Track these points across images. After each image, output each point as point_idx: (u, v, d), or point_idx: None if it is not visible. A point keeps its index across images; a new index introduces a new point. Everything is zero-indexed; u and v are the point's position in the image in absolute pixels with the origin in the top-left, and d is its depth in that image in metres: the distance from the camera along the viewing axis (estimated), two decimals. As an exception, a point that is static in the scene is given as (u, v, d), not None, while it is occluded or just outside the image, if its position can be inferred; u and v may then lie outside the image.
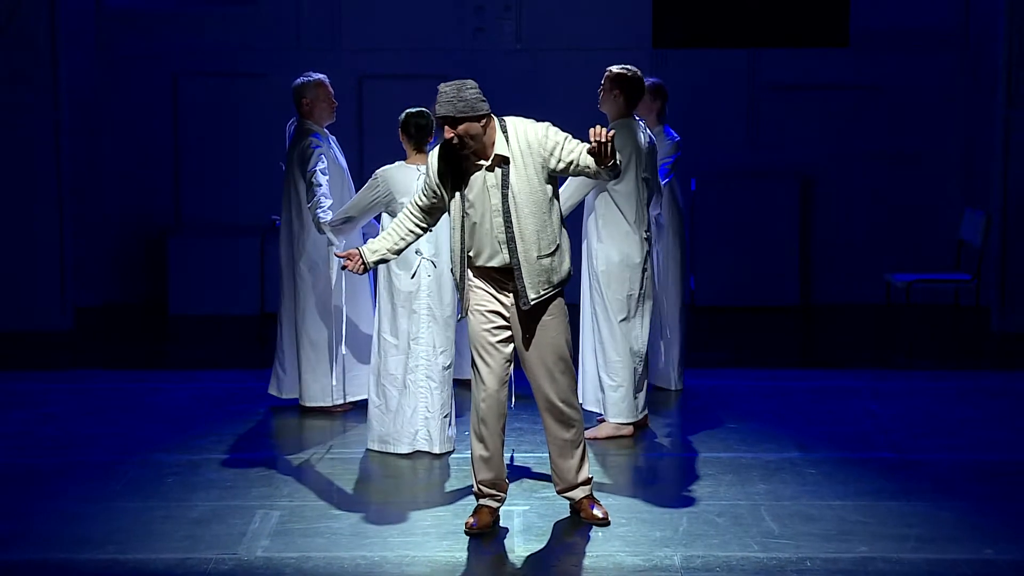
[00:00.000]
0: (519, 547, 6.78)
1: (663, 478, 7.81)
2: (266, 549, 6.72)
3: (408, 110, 8.33)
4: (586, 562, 6.58)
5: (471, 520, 6.97)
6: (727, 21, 12.89)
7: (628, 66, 8.47)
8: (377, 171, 8.30)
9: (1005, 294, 11.79)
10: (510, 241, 6.79)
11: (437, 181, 6.89)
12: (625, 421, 8.54)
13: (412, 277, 8.23)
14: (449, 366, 8.28)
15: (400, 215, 7.12)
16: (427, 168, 6.98)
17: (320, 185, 8.73)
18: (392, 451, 8.29)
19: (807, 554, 6.65)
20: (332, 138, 9.15)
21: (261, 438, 8.67)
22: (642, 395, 8.62)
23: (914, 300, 11.26)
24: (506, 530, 7.00)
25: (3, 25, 11.59)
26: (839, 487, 7.62)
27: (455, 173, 6.85)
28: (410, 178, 8.21)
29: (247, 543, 6.79)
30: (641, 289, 8.49)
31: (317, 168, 8.78)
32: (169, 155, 12.95)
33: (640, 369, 8.57)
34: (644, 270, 8.49)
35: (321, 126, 9.05)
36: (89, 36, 12.73)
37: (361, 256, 7.08)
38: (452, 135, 6.70)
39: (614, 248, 8.41)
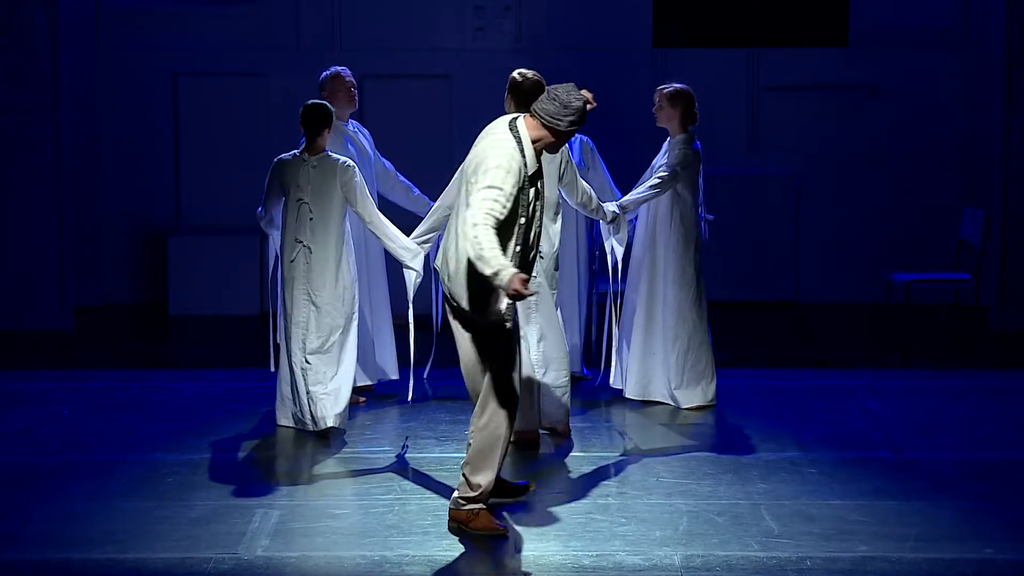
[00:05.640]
0: (519, 546, 6.78)
1: (663, 478, 7.81)
2: (266, 548, 6.72)
3: (306, 103, 8.56)
4: (586, 562, 6.58)
5: (499, 523, 6.99)
6: (727, 21, 12.89)
7: (526, 71, 8.13)
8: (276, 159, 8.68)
9: (1004, 294, 11.80)
10: (537, 246, 6.96)
11: (515, 191, 6.73)
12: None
13: (291, 262, 8.52)
14: (328, 347, 8.50)
15: (490, 235, 6.57)
16: (508, 180, 6.65)
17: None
18: (298, 428, 8.64)
19: (807, 553, 6.65)
20: (352, 127, 9.35)
21: (261, 437, 8.67)
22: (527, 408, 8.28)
23: (914, 299, 11.26)
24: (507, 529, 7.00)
25: (3, 25, 11.59)
26: (839, 486, 7.62)
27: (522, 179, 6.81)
28: (296, 169, 8.50)
29: (247, 542, 6.79)
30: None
31: None
32: (169, 155, 12.95)
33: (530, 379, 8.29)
34: (532, 275, 8.15)
35: (341, 117, 9.23)
36: (89, 36, 12.73)
37: (521, 279, 6.57)
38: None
39: None
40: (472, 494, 6.93)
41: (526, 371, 8.22)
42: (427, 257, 8.18)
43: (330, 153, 8.54)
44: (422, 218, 8.77)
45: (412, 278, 8.35)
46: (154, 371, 10.55)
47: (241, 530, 6.96)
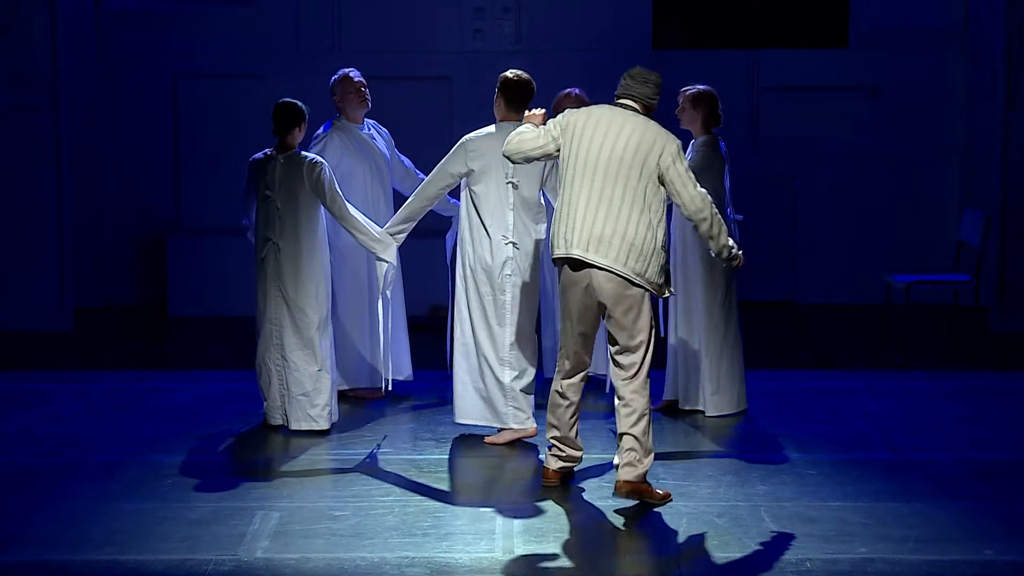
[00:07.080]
0: (519, 547, 6.79)
1: (662, 479, 7.81)
2: (266, 550, 6.73)
3: (277, 101, 8.67)
4: (586, 562, 6.58)
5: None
6: (727, 22, 12.89)
7: (515, 71, 8.26)
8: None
9: (1004, 295, 11.80)
10: None
11: None
12: (459, 420, 8.50)
13: (263, 260, 8.58)
14: (304, 345, 8.53)
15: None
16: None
17: None
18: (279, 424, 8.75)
19: (807, 555, 6.65)
20: (368, 128, 9.38)
21: (261, 438, 8.68)
22: (497, 402, 8.38)
23: (914, 300, 11.27)
24: (506, 530, 7.00)
25: (3, 26, 11.59)
26: (838, 488, 7.63)
27: None
28: (265, 166, 8.60)
29: (247, 544, 6.80)
30: (502, 294, 8.27)
31: None
32: (169, 155, 12.95)
33: (493, 373, 8.32)
34: (508, 274, 8.25)
35: (355, 119, 9.28)
36: (89, 36, 12.73)
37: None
38: None
39: (470, 247, 8.29)
40: (648, 461, 7.30)
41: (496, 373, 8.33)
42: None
43: (300, 151, 8.58)
44: (442, 215, 8.78)
45: (383, 270, 8.36)
46: (154, 372, 10.55)
47: (241, 532, 6.96)
